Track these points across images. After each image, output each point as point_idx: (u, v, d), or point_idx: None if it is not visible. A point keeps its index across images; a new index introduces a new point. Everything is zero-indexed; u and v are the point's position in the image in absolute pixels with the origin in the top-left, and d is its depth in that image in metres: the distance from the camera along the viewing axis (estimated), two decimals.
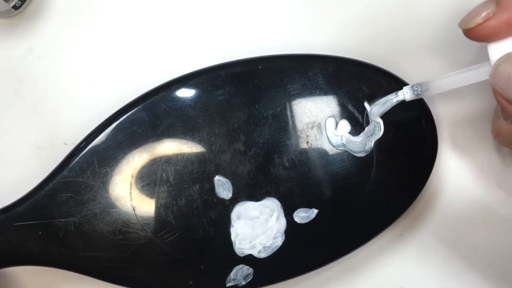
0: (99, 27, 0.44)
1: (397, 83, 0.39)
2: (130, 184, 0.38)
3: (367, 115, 0.39)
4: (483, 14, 0.34)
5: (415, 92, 0.38)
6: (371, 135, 0.39)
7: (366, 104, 0.39)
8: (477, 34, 0.34)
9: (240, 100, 0.39)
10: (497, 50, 0.34)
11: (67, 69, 0.44)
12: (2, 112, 0.44)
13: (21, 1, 0.42)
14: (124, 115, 0.39)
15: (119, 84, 0.43)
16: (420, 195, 0.41)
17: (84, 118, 0.43)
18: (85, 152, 0.38)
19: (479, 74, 0.35)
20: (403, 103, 0.39)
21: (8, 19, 0.43)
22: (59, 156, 0.40)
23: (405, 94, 0.38)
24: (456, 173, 0.43)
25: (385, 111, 0.39)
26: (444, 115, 0.42)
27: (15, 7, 0.42)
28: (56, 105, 0.43)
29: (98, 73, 0.44)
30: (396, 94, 0.39)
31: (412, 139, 0.40)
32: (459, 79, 0.36)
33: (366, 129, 0.39)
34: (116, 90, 0.43)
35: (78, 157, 0.38)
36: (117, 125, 0.39)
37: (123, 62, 0.43)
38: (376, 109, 0.39)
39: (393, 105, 0.39)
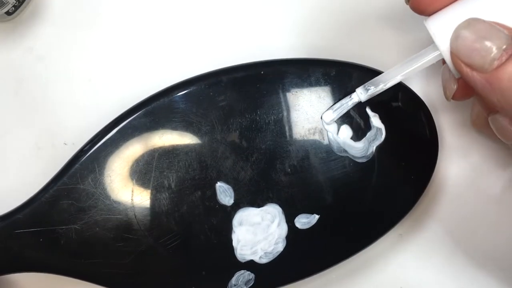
0: (99, 27, 0.43)
1: (399, 87, 0.39)
2: (132, 191, 0.38)
3: (369, 120, 0.39)
4: None
5: (368, 90, 0.37)
6: (373, 141, 0.39)
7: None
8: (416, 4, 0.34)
9: (242, 106, 0.39)
10: (437, 23, 0.33)
11: (67, 69, 0.43)
12: (2, 112, 0.44)
13: (14, 7, 0.42)
14: (125, 121, 0.38)
15: (119, 84, 0.43)
16: (421, 195, 0.41)
17: (84, 118, 0.43)
18: (86, 159, 0.38)
19: (429, 56, 0.35)
20: (405, 107, 0.39)
21: (5, 23, 0.43)
22: (59, 156, 0.40)
23: (359, 95, 0.38)
24: (457, 175, 0.43)
25: (340, 115, 0.39)
26: (445, 119, 0.42)
27: (8, 13, 0.42)
28: (56, 105, 0.43)
29: (98, 73, 0.43)
30: (350, 97, 0.38)
31: (413, 144, 0.40)
32: (408, 65, 0.36)
33: (367, 134, 0.39)
34: (116, 90, 0.43)
35: (79, 164, 0.38)
36: (118, 131, 0.38)
37: (123, 62, 0.43)
38: (329, 114, 0.39)
39: (348, 108, 0.39)
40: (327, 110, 0.39)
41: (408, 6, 0.35)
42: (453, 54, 0.32)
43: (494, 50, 0.30)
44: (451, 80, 0.36)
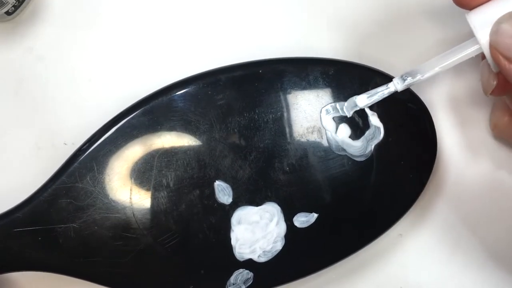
0: (99, 27, 0.44)
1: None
2: (130, 190, 0.38)
3: (368, 119, 0.39)
4: None
5: (405, 80, 0.37)
6: (371, 139, 0.39)
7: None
8: None
9: (241, 105, 0.39)
10: (478, 17, 0.33)
11: (67, 69, 0.44)
12: (2, 112, 0.44)
13: (14, 7, 0.42)
14: (123, 119, 0.38)
15: (119, 84, 0.43)
16: (420, 195, 0.41)
17: (84, 118, 0.43)
18: (84, 157, 0.38)
19: (468, 49, 0.35)
20: (404, 106, 0.39)
21: (5, 23, 0.43)
22: (59, 156, 0.40)
23: (396, 84, 0.37)
24: (456, 174, 0.43)
25: (373, 103, 0.39)
26: (444, 117, 0.42)
27: (8, 13, 0.42)
28: (56, 105, 0.43)
29: (98, 73, 0.43)
30: (386, 86, 0.38)
31: (412, 142, 0.40)
32: (447, 58, 0.36)
33: (366, 133, 0.39)
34: (116, 90, 0.43)
35: (77, 163, 0.38)
36: (116, 130, 0.38)
37: (123, 62, 0.43)
38: (363, 99, 0.39)
39: (384, 96, 0.38)
40: (360, 94, 0.39)
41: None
42: (492, 46, 0.32)
43: None
44: (491, 76, 0.36)
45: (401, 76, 0.37)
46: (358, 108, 0.39)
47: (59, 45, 0.44)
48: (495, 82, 0.36)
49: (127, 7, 0.44)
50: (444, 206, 0.43)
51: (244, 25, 0.43)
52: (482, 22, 0.33)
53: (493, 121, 0.41)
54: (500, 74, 0.35)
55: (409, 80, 0.37)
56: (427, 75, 0.36)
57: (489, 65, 0.34)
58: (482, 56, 0.35)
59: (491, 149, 0.42)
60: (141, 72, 0.43)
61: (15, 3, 0.42)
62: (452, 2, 0.34)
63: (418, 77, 0.37)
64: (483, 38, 0.33)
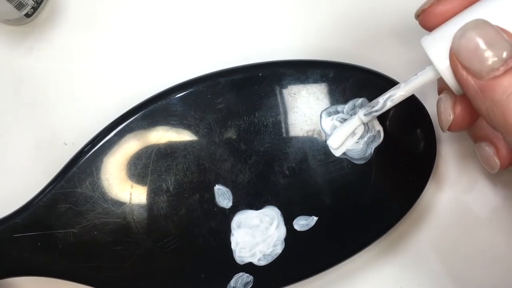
0: (99, 28, 0.43)
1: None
2: (130, 194, 0.38)
3: (367, 123, 0.39)
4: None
5: (368, 113, 0.37)
6: (371, 142, 0.39)
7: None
8: (425, 20, 0.34)
9: (240, 108, 0.39)
10: (435, 41, 0.32)
11: (67, 69, 0.43)
12: (2, 112, 0.44)
13: (33, 9, 0.42)
14: (122, 123, 0.38)
15: (119, 85, 0.43)
16: (419, 196, 0.41)
17: (84, 118, 0.43)
18: (83, 162, 0.38)
19: (424, 77, 0.34)
20: (404, 110, 0.39)
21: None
22: (59, 156, 0.40)
23: (361, 117, 0.37)
24: (455, 175, 0.43)
25: (344, 139, 0.39)
26: None
27: (27, 15, 0.42)
28: (56, 105, 0.43)
29: (98, 73, 0.43)
30: (351, 120, 0.38)
31: (411, 145, 0.40)
32: (406, 87, 0.35)
33: (366, 136, 0.39)
34: (116, 90, 0.43)
35: (76, 167, 0.38)
36: (115, 134, 0.38)
37: (123, 63, 0.43)
38: (334, 141, 0.39)
39: (351, 132, 0.38)
40: (331, 136, 0.39)
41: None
42: (452, 53, 0.31)
43: (495, 59, 0.29)
44: (447, 111, 0.35)
45: (364, 109, 0.37)
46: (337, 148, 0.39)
47: (60, 45, 0.43)
48: (451, 118, 0.35)
49: (127, 8, 0.43)
50: (444, 207, 0.43)
51: (243, 28, 0.43)
52: (438, 48, 0.32)
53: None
54: (458, 106, 0.34)
55: (372, 114, 0.37)
56: (386, 107, 0.36)
57: (444, 101, 0.34)
58: (439, 91, 0.35)
59: None
60: (141, 72, 0.43)
61: (34, 4, 0.42)
62: None
63: (381, 110, 0.36)
64: (441, 64, 0.32)
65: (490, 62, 0.29)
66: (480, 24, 0.30)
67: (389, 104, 0.36)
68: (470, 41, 0.30)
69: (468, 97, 0.31)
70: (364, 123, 0.38)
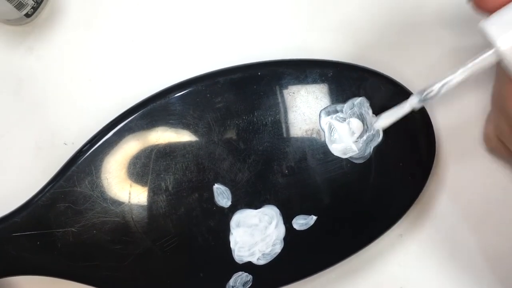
0: (99, 28, 0.44)
1: (396, 88, 0.39)
2: (129, 193, 0.38)
3: (366, 122, 0.39)
4: None
5: (422, 99, 0.36)
6: (370, 141, 0.39)
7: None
8: (481, 3, 0.33)
9: (239, 107, 0.39)
10: (497, 23, 0.32)
11: (67, 69, 0.44)
12: (2, 112, 0.44)
13: (33, 9, 0.42)
14: (121, 123, 0.38)
15: (119, 84, 0.43)
16: (419, 196, 0.41)
17: (84, 118, 0.43)
18: (82, 161, 0.38)
19: (484, 60, 0.33)
20: None
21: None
22: (59, 156, 0.40)
23: (413, 103, 0.37)
24: (455, 174, 0.43)
25: (392, 123, 0.38)
26: (442, 118, 0.42)
27: (27, 15, 0.42)
28: (56, 105, 0.43)
29: (98, 73, 0.43)
30: (403, 105, 0.37)
31: (411, 144, 0.40)
32: (464, 72, 0.34)
33: (365, 135, 0.39)
34: (116, 90, 0.43)
35: (75, 166, 0.38)
36: (114, 134, 0.38)
37: (123, 62, 0.43)
38: (382, 122, 0.38)
39: (401, 117, 0.38)
40: (379, 117, 0.38)
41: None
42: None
43: None
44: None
45: (418, 94, 0.36)
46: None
47: (59, 45, 0.44)
48: None
49: (127, 8, 0.43)
50: (444, 207, 0.43)
51: (242, 27, 0.43)
52: (501, 28, 0.32)
53: (486, 136, 0.40)
54: None
55: (425, 99, 0.36)
56: (441, 93, 0.35)
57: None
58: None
59: (489, 151, 0.42)
60: (141, 72, 0.43)
61: (34, 4, 0.42)
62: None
63: (434, 96, 0.35)
64: (504, 44, 0.32)
65: None
66: None
67: (444, 90, 0.35)
68: None
69: None
70: (364, 123, 0.38)
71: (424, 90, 0.36)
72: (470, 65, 0.34)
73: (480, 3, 0.33)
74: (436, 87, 0.35)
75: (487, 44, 0.32)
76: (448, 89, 0.35)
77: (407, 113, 0.37)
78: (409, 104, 0.37)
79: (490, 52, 0.33)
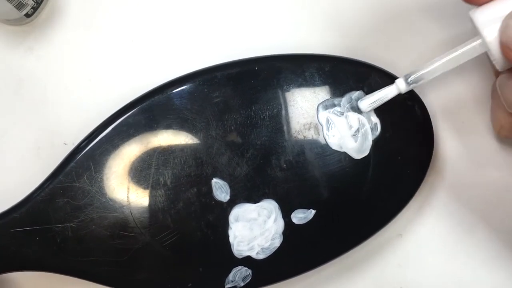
0: (99, 27, 0.44)
1: (393, 81, 0.39)
2: (128, 188, 0.38)
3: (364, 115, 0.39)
4: None
5: (409, 82, 0.36)
6: (368, 135, 0.39)
7: (361, 104, 0.39)
8: None
9: (237, 102, 0.39)
10: (484, 15, 0.33)
11: (67, 69, 0.44)
12: (2, 112, 0.44)
13: (33, 9, 0.42)
14: (120, 118, 0.39)
15: (119, 84, 0.43)
16: (419, 194, 0.41)
17: (84, 118, 0.43)
18: (81, 157, 0.38)
19: (470, 49, 0.35)
20: (401, 102, 0.39)
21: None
22: (59, 156, 0.40)
23: (400, 86, 0.37)
24: (454, 171, 0.43)
25: (377, 106, 0.38)
26: (440, 113, 0.42)
27: (27, 15, 0.42)
28: (56, 105, 0.44)
29: (98, 73, 0.44)
30: (389, 87, 0.37)
31: (409, 138, 0.40)
32: (450, 58, 0.35)
33: (363, 129, 0.39)
34: (116, 90, 0.43)
35: (74, 162, 0.38)
36: (113, 129, 0.38)
37: (123, 62, 0.44)
38: (366, 102, 0.38)
39: (387, 99, 0.38)
40: (364, 99, 0.38)
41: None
42: (503, 44, 0.32)
43: None
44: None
45: (405, 78, 0.37)
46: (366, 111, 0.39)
47: (59, 45, 0.44)
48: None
49: (127, 8, 0.44)
50: (444, 206, 0.43)
51: (240, 22, 0.43)
52: (488, 19, 0.33)
53: (498, 123, 0.40)
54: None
55: (413, 84, 0.36)
56: (430, 77, 0.36)
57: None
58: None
59: (488, 146, 0.42)
60: (141, 72, 0.43)
61: (34, 4, 0.42)
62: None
63: (422, 81, 0.36)
64: (490, 35, 0.33)
65: None
66: None
67: (431, 76, 0.36)
68: None
69: None
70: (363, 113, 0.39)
71: (410, 74, 0.36)
72: (456, 53, 0.35)
73: None
74: (422, 71, 0.36)
75: (475, 33, 0.34)
76: (435, 75, 0.36)
77: (393, 96, 0.38)
78: (394, 87, 0.37)
79: (478, 41, 0.34)
